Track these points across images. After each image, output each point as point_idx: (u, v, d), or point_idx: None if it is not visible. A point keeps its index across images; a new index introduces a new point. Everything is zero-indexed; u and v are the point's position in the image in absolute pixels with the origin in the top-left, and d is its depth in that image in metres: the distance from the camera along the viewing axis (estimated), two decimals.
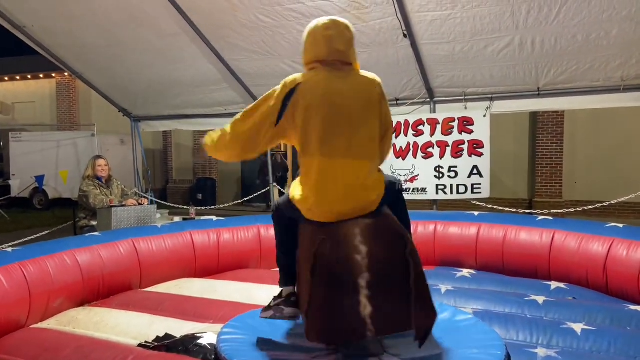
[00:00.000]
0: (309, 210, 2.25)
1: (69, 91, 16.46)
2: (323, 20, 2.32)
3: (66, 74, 14.25)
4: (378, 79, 2.36)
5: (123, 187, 5.45)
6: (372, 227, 2.20)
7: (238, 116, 2.37)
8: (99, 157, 5.37)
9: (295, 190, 2.31)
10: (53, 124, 16.31)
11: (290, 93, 2.23)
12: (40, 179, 12.41)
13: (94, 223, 4.99)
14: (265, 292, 3.60)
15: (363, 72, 2.36)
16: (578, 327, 2.79)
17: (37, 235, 6.32)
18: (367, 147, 2.26)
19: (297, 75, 2.29)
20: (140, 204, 5.20)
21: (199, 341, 2.64)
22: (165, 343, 2.72)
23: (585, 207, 6.83)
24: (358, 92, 2.28)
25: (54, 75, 16.19)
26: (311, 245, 2.21)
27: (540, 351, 2.52)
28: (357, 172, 2.21)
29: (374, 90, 2.32)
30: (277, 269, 2.65)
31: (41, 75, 16.49)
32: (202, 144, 2.52)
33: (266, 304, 2.55)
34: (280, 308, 2.45)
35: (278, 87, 2.28)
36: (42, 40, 6.20)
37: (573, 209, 7.09)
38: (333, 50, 2.27)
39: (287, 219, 2.45)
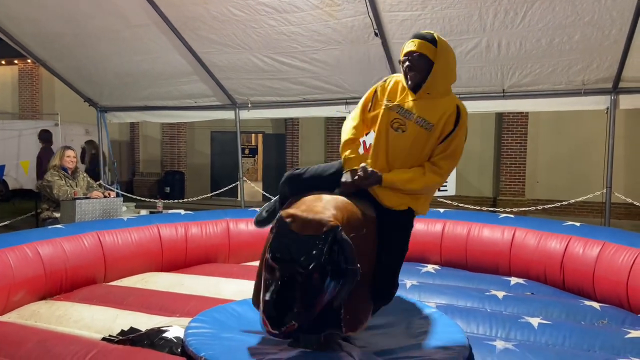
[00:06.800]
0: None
1: (31, 79, 15.92)
2: None
3: (29, 61, 13.77)
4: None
5: (89, 179, 5.34)
6: None
7: None
8: (68, 147, 5.24)
9: None
10: (14, 112, 15.77)
11: None
12: (0, 169, 12.00)
13: (57, 215, 4.87)
14: (233, 287, 3.61)
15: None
16: (535, 321, 2.91)
17: None
18: None
19: None
20: (106, 197, 5.10)
21: (164, 334, 2.62)
22: (130, 337, 2.69)
23: (546, 206, 7.07)
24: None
25: (16, 62, 15.63)
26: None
27: (499, 344, 2.61)
28: None
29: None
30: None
31: (2, 62, 15.89)
32: None
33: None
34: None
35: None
36: (6, 27, 5.98)
37: (534, 208, 7.32)
38: None
39: None
